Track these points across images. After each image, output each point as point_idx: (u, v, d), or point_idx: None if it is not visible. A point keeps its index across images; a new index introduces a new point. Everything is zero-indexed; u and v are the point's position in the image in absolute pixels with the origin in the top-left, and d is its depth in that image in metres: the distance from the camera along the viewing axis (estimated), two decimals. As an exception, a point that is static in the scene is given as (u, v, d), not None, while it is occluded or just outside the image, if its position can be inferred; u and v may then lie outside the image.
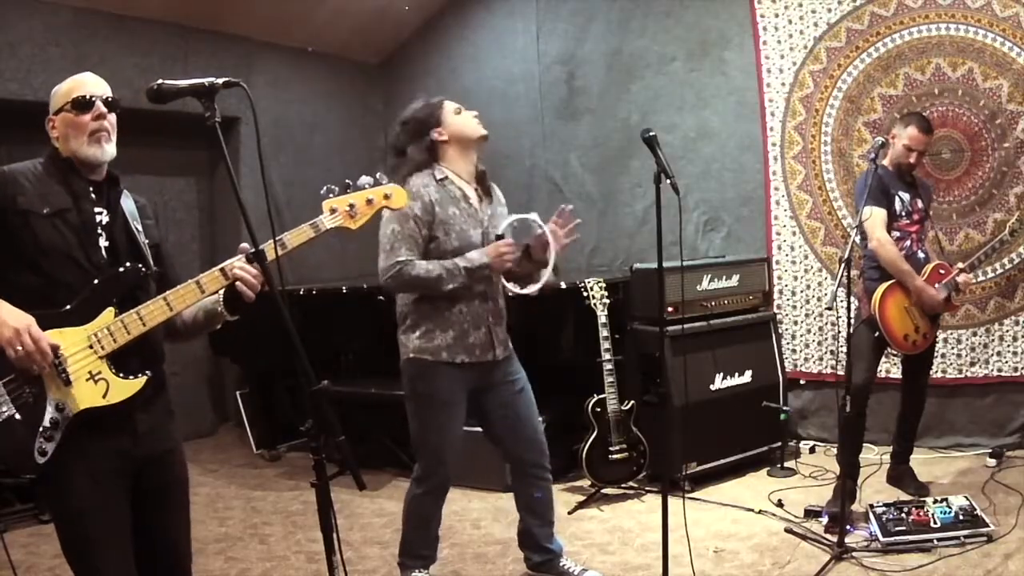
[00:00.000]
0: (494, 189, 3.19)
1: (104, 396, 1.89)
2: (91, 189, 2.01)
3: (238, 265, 1.98)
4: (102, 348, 1.89)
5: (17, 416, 1.82)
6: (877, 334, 3.68)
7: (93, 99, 2.00)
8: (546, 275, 3.05)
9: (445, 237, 2.94)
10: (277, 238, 1.98)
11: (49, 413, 1.85)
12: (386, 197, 2.13)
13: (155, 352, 2.07)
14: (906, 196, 3.78)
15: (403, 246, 2.88)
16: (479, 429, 3.24)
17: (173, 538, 2.14)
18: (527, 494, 3.21)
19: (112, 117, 2.03)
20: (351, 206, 2.07)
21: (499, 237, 2.98)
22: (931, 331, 3.81)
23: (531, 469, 3.18)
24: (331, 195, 2.08)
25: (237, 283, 1.98)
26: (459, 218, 2.97)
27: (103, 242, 1.99)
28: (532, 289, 3.08)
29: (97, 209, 2.01)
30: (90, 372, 1.88)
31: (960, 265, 3.80)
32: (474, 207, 3.02)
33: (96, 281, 1.93)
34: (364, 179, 2.12)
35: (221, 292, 2.04)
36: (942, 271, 3.78)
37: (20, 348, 1.78)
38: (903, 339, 3.70)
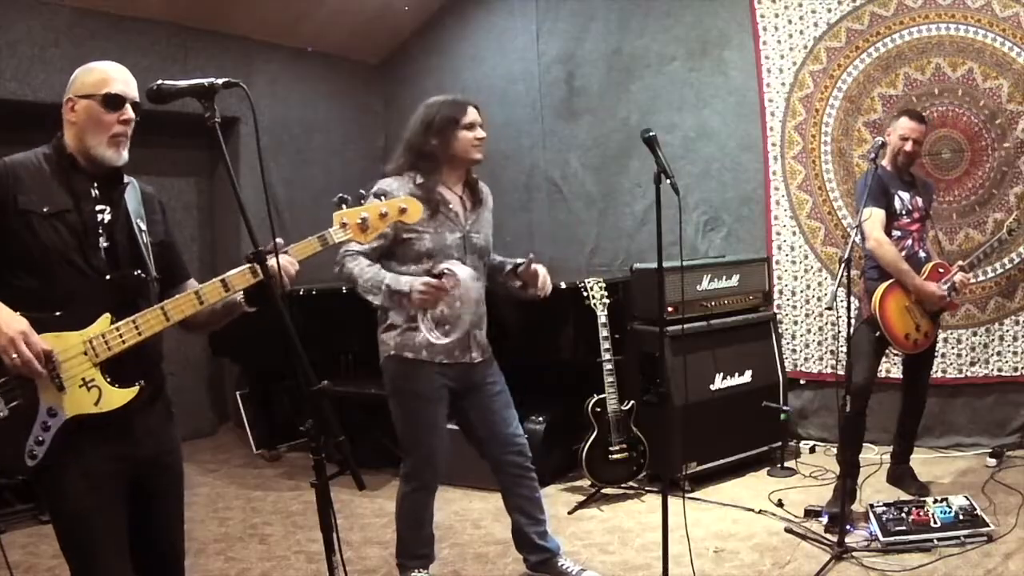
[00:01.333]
0: (484, 194, 3.18)
1: (96, 404, 1.87)
2: (94, 185, 1.97)
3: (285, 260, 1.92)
4: (96, 355, 1.87)
5: (9, 418, 1.82)
6: (878, 334, 3.68)
7: (125, 101, 1.96)
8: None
9: (417, 238, 2.93)
10: (284, 250, 1.94)
11: (41, 417, 1.83)
12: (401, 211, 2.10)
13: (152, 356, 2.06)
14: (906, 195, 3.78)
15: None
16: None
17: (170, 538, 2.14)
18: (514, 494, 3.21)
19: (133, 122, 1.99)
20: (363, 219, 2.02)
21: (438, 276, 2.85)
22: (932, 330, 3.81)
23: (512, 469, 3.18)
24: (344, 205, 2.02)
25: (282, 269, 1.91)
26: (434, 221, 2.95)
27: (103, 243, 1.96)
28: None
29: (99, 207, 1.97)
30: (83, 379, 1.86)
31: (960, 263, 3.80)
32: (454, 211, 3.01)
33: (93, 286, 1.91)
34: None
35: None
36: (941, 270, 3.78)
37: (15, 356, 1.76)
38: (904, 338, 3.71)
